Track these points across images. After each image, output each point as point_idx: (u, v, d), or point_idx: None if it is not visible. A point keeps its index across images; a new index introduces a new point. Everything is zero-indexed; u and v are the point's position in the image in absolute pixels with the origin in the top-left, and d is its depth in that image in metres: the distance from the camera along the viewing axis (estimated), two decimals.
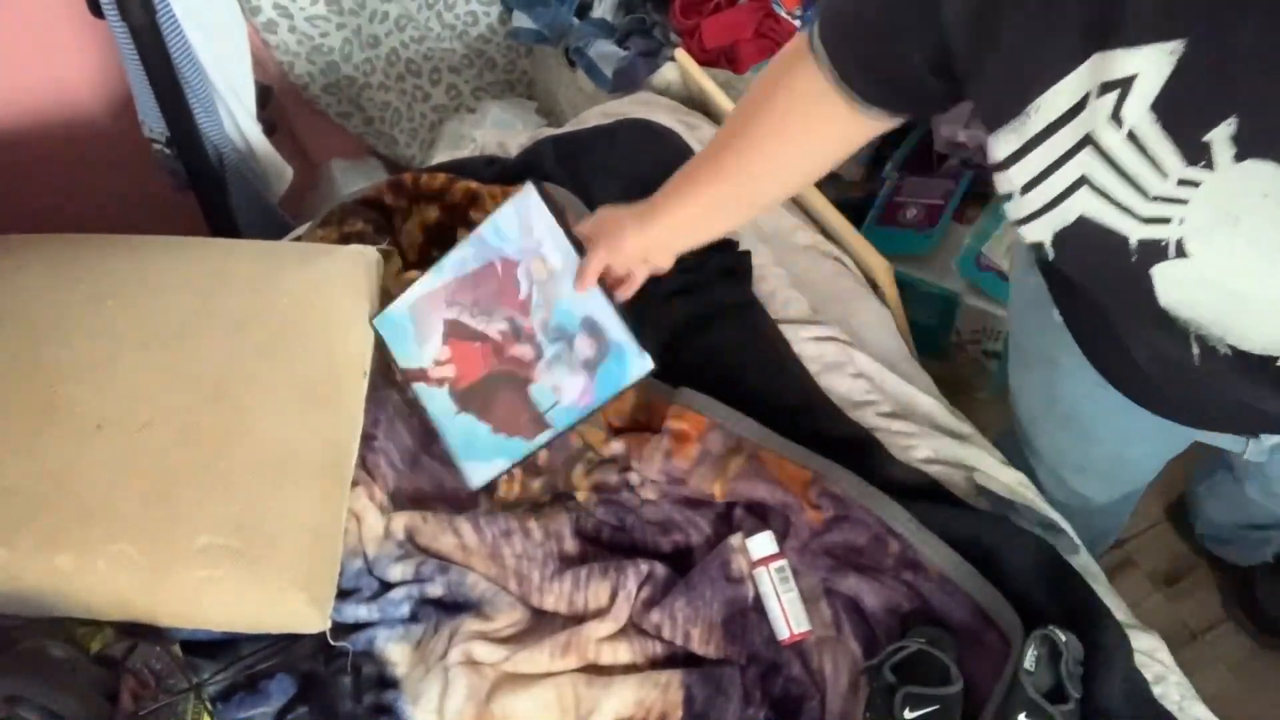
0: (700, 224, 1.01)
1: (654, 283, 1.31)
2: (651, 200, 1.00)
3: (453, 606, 1.11)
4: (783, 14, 1.72)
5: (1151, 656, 1.07)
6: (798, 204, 1.50)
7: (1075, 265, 0.74)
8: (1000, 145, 0.69)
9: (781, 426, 1.18)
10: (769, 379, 1.24)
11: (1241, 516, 1.58)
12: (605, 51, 1.72)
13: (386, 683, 1.05)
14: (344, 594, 1.09)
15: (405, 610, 1.09)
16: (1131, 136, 0.62)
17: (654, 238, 1.01)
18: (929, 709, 0.97)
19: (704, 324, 1.29)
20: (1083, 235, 0.69)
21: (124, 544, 1.00)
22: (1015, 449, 1.30)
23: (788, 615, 1.07)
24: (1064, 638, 0.98)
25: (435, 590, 1.10)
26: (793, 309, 1.31)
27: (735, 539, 1.11)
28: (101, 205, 1.77)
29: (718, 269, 1.32)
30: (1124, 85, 0.61)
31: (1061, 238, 0.71)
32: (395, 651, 1.07)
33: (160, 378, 1.10)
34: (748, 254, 1.35)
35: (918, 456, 1.18)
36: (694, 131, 1.50)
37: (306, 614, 1.03)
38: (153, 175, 1.66)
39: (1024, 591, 1.05)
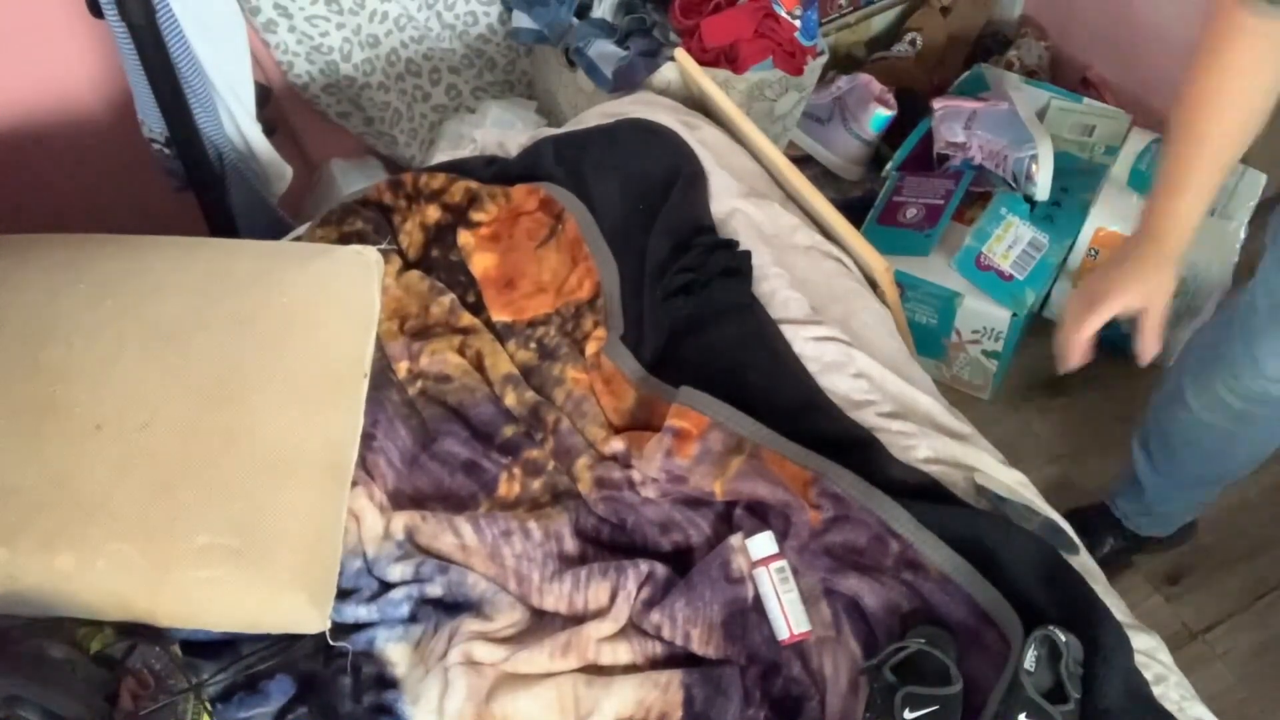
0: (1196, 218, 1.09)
1: (654, 283, 1.32)
2: (1151, 234, 1.09)
3: (453, 606, 1.11)
4: (783, 14, 1.72)
5: (1151, 656, 1.07)
6: (798, 204, 1.50)
7: None
8: None
9: (781, 426, 1.18)
10: (769, 379, 1.24)
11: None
12: (605, 51, 1.71)
13: (386, 683, 1.05)
14: (344, 594, 1.09)
15: (405, 610, 1.09)
16: None
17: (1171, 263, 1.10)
18: (929, 709, 0.97)
19: (704, 324, 1.29)
20: None
21: (124, 544, 1.00)
22: (1203, 368, 1.35)
23: (788, 615, 1.07)
24: (1064, 638, 0.98)
25: (435, 590, 1.10)
26: (793, 309, 1.31)
27: (735, 539, 1.11)
28: (101, 205, 1.77)
29: (718, 269, 1.32)
30: None
31: None
32: (395, 651, 1.07)
33: (160, 378, 1.10)
34: (748, 254, 1.35)
35: (918, 456, 1.18)
36: (694, 131, 1.50)
37: (306, 614, 1.03)
38: (153, 175, 1.66)
39: (1024, 591, 1.05)
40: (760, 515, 1.14)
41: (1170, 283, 1.11)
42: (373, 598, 1.10)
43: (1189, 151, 1.05)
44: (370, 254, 1.28)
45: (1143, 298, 1.11)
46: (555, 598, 1.10)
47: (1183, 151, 1.06)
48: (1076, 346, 1.14)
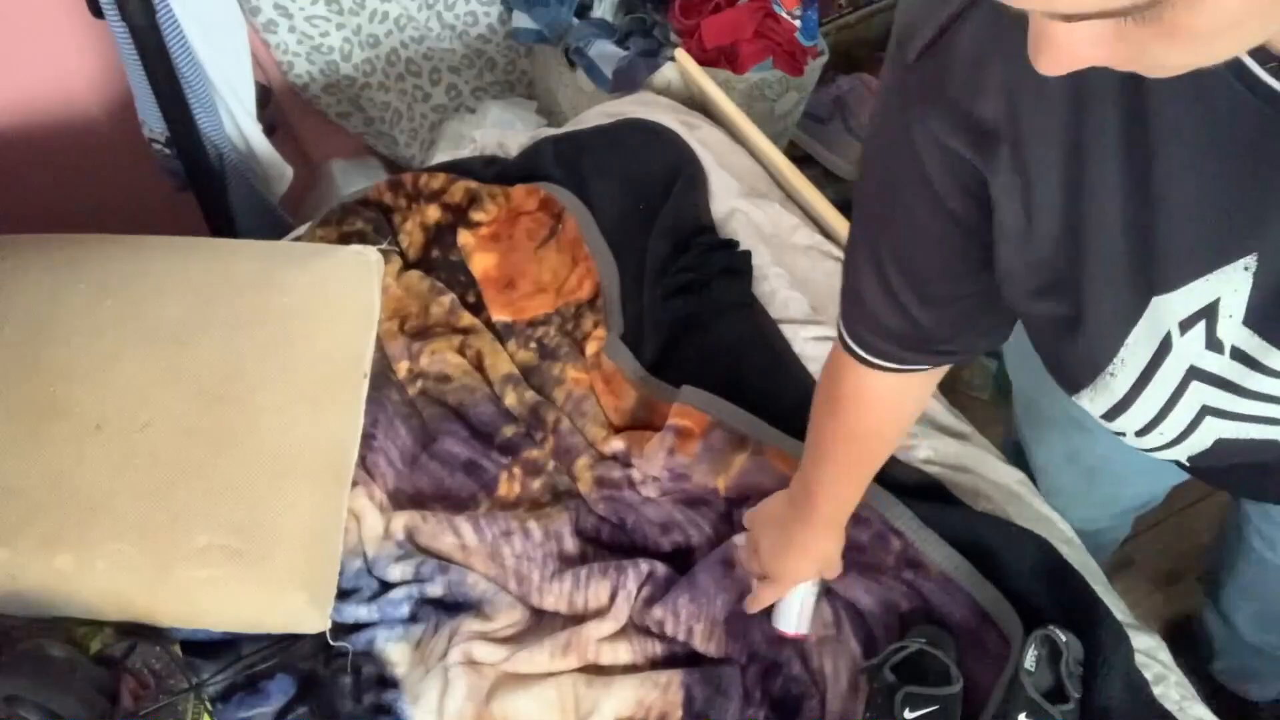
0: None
1: (654, 282, 1.32)
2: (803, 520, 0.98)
3: (453, 606, 1.11)
4: (783, 14, 1.72)
5: (1151, 656, 1.07)
6: (798, 204, 1.50)
7: (1219, 468, 0.73)
8: (1095, 405, 0.68)
9: (782, 426, 1.18)
10: (769, 378, 1.24)
11: (1275, 631, 1.33)
12: (605, 51, 1.71)
13: (386, 683, 1.05)
14: (344, 594, 1.09)
15: (405, 610, 1.09)
16: (1239, 355, 0.59)
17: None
18: (929, 709, 0.97)
19: (704, 324, 1.29)
20: (1224, 451, 0.67)
21: (124, 544, 1.00)
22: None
23: (801, 613, 1.05)
24: (1064, 638, 0.98)
25: (435, 590, 1.10)
26: (793, 309, 1.31)
27: (739, 538, 1.11)
28: (101, 205, 1.77)
29: (718, 269, 1.32)
30: (1208, 313, 0.58)
31: (1200, 457, 0.69)
32: (395, 651, 1.07)
33: (160, 378, 1.10)
34: (748, 254, 1.35)
35: (918, 456, 1.18)
36: (694, 131, 1.50)
37: (306, 614, 1.03)
38: (153, 175, 1.66)
39: (1024, 591, 1.05)
40: None
41: (832, 549, 1.02)
42: (373, 598, 1.10)
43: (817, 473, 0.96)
44: (370, 254, 1.28)
45: (816, 573, 1.03)
46: (555, 597, 1.10)
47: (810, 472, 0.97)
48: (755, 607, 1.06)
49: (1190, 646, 1.44)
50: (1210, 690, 1.45)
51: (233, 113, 1.59)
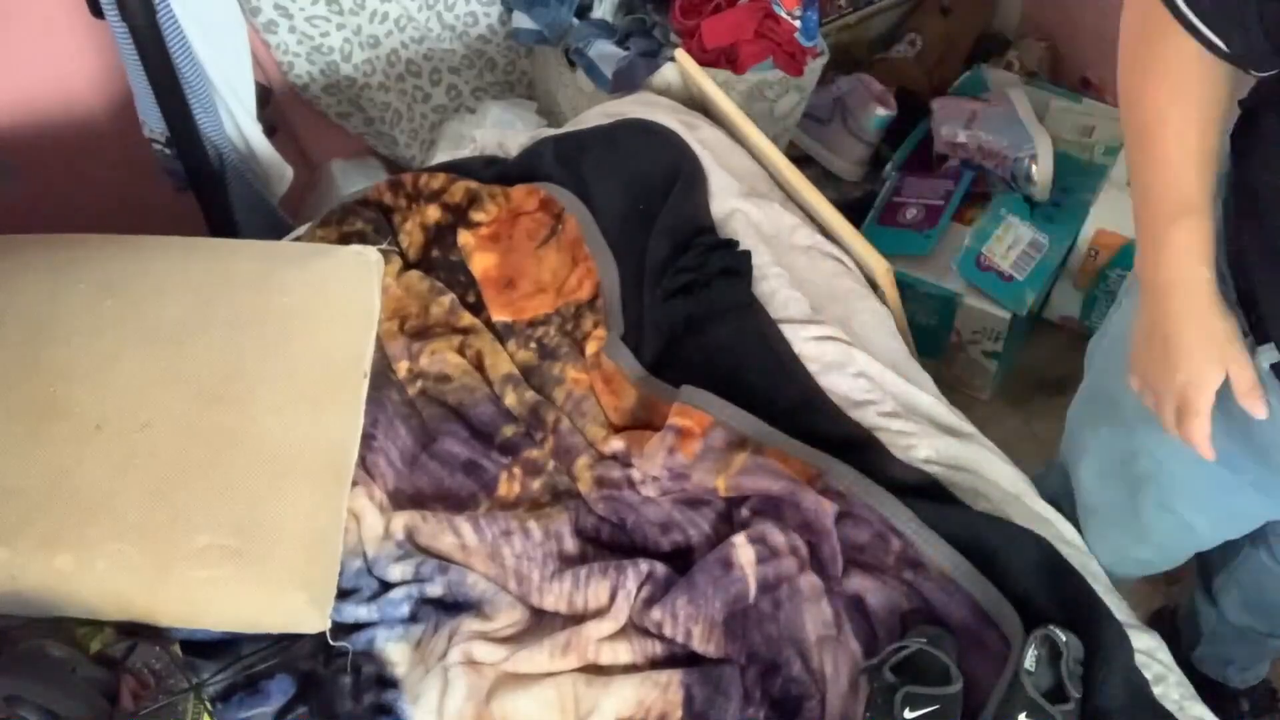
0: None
1: (654, 283, 1.32)
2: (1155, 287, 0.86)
3: (452, 606, 1.11)
4: (783, 14, 1.72)
5: (1151, 656, 1.07)
6: (798, 204, 1.50)
7: None
8: None
9: (782, 426, 1.18)
10: (769, 378, 1.24)
11: (1258, 616, 1.38)
12: (605, 51, 1.72)
13: (386, 683, 1.05)
14: (344, 594, 1.09)
15: (405, 610, 1.09)
16: None
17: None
18: (929, 709, 0.97)
19: (704, 324, 1.29)
20: None
21: (124, 544, 1.00)
22: (1057, 495, 1.23)
23: None
24: (1064, 637, 0.98)
25: (435, 590, 1.10)
26: (793, 309, 1.31)
27: (738, 537, 1.11)
28: (101, 205, 1.77)
29: (718, 269, 1.32)
30: None
31: None
32: (395, 651, 1.07)
33: (160, 378, 1.10)
34: (748, 254, 1.35)
35: (918, 456, 1.18)
36: (694, 131, 1.50)
37: (306, 614, 1.03)
38: (153, 175, 1.66)
39: (1025, 591, 1.05)
40: (764, 514, 1.14)
41: (1223, 322, 0.86)
42: (373, 598, 1.10)
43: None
44: (370, 254, 1.28)
45: (1218, 365, 0.86)
46: (555, 597, 1.10)
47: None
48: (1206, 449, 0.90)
49: (1171, 637, 1.46)
50: (1193, 682, 1.48)
51: (233, 113, 1.59)
